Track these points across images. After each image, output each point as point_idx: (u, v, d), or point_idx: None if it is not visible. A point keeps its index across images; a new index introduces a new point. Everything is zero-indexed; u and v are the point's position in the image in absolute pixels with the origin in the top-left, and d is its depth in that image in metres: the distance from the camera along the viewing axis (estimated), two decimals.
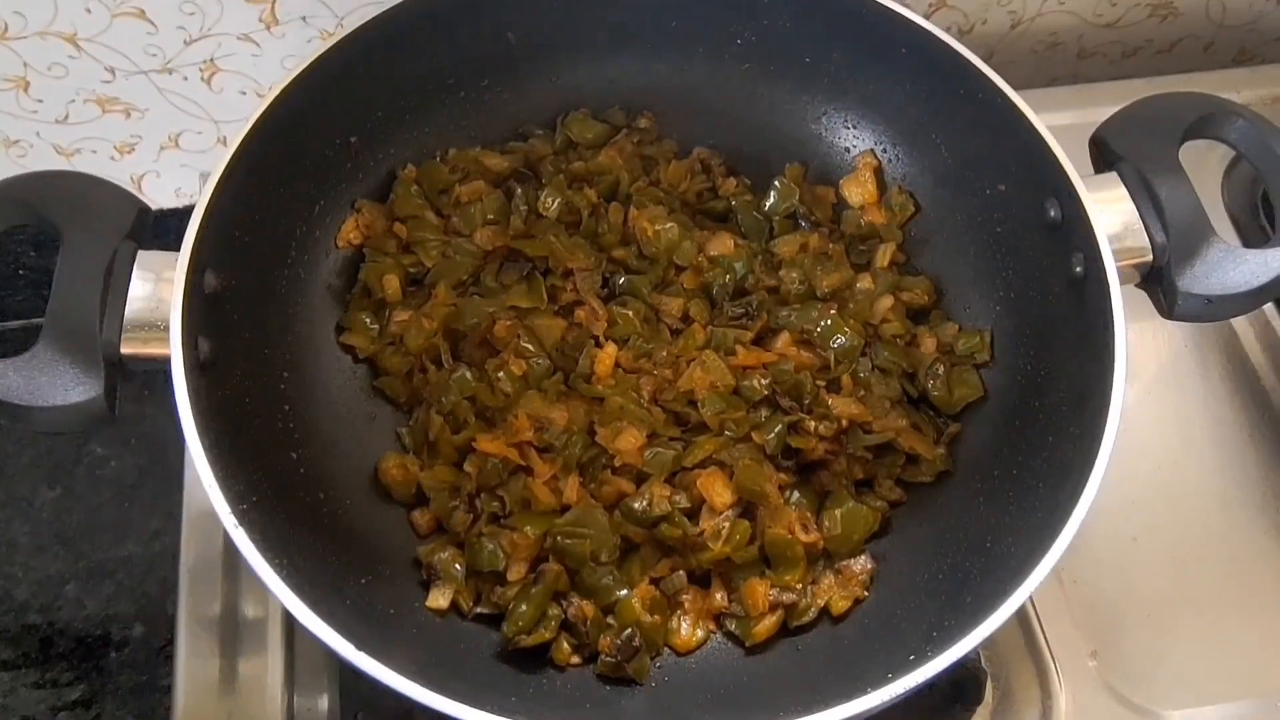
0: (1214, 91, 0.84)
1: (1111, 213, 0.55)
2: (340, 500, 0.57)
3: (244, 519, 0.46)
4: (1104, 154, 0.58)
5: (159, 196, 0.85)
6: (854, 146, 0.68)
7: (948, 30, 0.84)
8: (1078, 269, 0.55)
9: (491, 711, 0.44)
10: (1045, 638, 0.61)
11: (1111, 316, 0.52)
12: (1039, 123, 0.57)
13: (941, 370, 0.61)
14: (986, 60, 0.88)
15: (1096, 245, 0.54)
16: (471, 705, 0.44)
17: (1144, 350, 0.71)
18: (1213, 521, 0.66)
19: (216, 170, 0.54)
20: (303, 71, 0.58)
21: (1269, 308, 0.73)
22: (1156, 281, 0.55)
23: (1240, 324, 0.72)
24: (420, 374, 0.61)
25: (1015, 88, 0.91)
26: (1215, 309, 0.53)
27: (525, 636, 0.56)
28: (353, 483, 0.59)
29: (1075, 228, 0.55)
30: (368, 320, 0.63)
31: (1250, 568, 0.64)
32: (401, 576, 0.57)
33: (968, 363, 0.62)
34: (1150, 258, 0.54)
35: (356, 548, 0.56)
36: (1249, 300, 0.52)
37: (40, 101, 0.75)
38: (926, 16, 0.82)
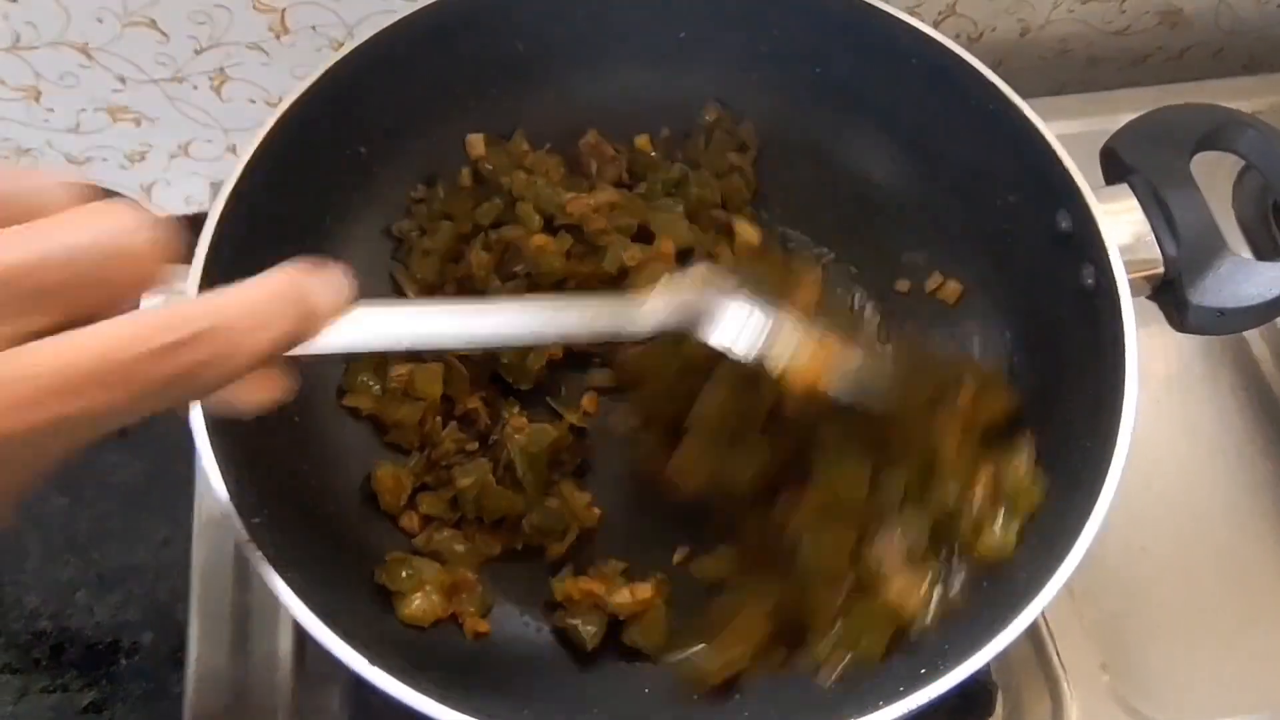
0: (1224, 100, 0.84)
1: (1122, 224, 0.55)
2: (351, 512, 0.58)
3: (256, 533, 0.46)
4: (1115, 166, 0.58)
5: (169, 204, 0.86)
6: (866, 155, 0.68)
7: (956, 38, 0.84)
8: (1088, 281, 0.55)
9: None
10: (1056, 649, 0.60)
11: (1122, 328, 0.52)
12: (1049, 133, 0.57)
13: (986, 523, 0.53)
14: (995, 68, 0.88)
15: (1107, 257, 0.53)
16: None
17: (1154, 359, 0.71)
18: (1224, 531, 0.66)
19: (228, 182, 0.54)
20: (314, 83, 0.58)
21: None
22: (1168, 294, 0.55)
23: (1251, 332, 0.72)
24: (434, 419, 0.60)
25: (1024, 95, 0.91)
26: (1228, 322, 0.53)
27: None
28: (363, 494, 0.59)
29: (1086, 239, 0.55)
30: (368, 380, 0.61)
31: (1262, 578, 0.64)
32: None
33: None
34: (1162, 270, 0.54)
35: (369, 560, 0.56)
36: (1262, 313, 0.52)
37: (51, 111, 0.75)
38: (936, 24, 0.82)
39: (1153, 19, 0.86)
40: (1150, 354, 0.71)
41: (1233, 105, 0.84)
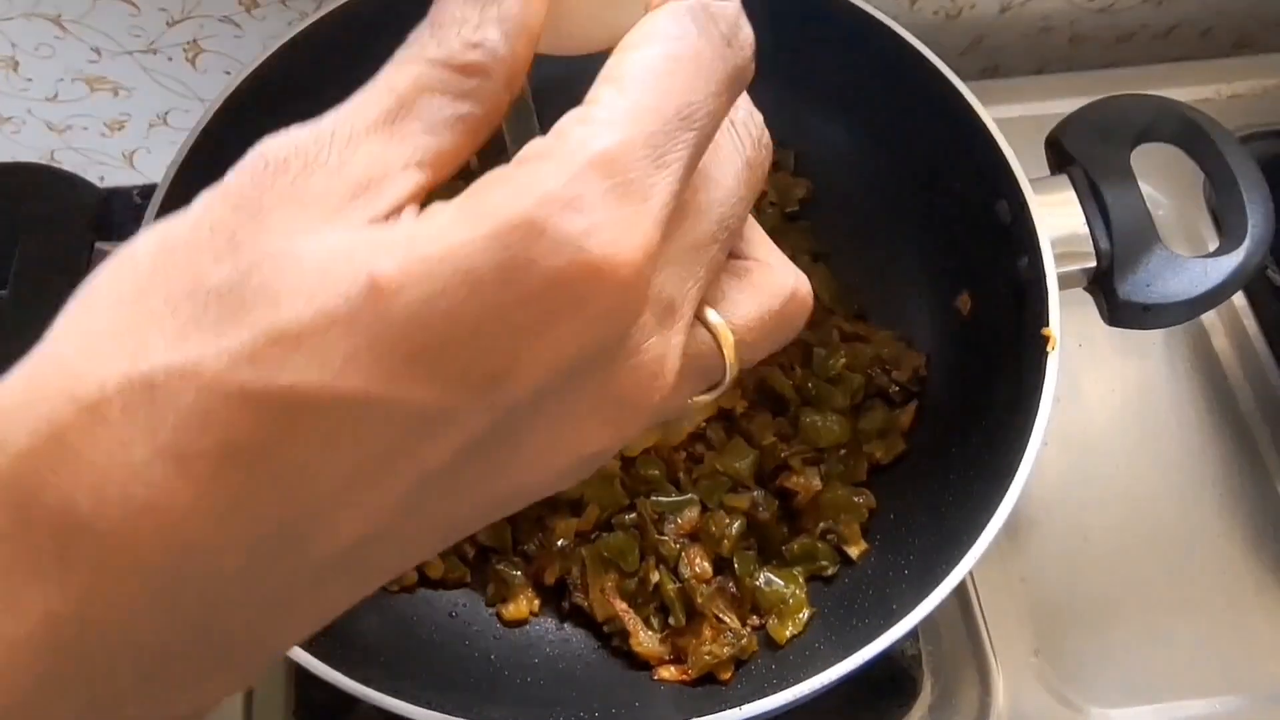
0: (1210, 81, 0.84)
1: (1057, 216, 0.54)
2: None
3: None
4: (1058, 156, 0.57)
5: (152, 172, 0.87)
6: (823, 137, 0.68)
7: (935, 15, 0.84)
8: (1024, 272, 0.55)
9: None
10: (989, 634, 0.61)
11: (1047, 317, 0.52)
12: (989, 120, 0.57)
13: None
14: (976, 45, 0.88)
15: (1039, 248, 0.54)
16: None
17: (1110, 345, 0.71)
18: (1167, 521, 0.66)
19: (174, 161, 0.55)
20: (267, 59, 0.59)
21: (1241, 304, 0.72)
22: (1100, 287, 0.54)
23: (1210, 319, 0.72)
24: None
25: (1007, 74, 0.91)
26: (1153, 317, 0.53)
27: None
28: None
29: (1022, 230, 0.55)
30: None
31: (1200, 569, 0.64)
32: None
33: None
34: (1094, 263, 0.54)
35: None
36: (1186, 310, 0.52)
37: (30, 80, 0.77)
38: (912, 2, 0.82)
39: None
40: (1108, 340, 0.71)
41: (1220, 86, 0.84)
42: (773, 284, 0.28)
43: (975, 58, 0.89)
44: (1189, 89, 0.81)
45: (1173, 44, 0.89)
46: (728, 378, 0.28)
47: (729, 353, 0.27)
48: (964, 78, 0.88)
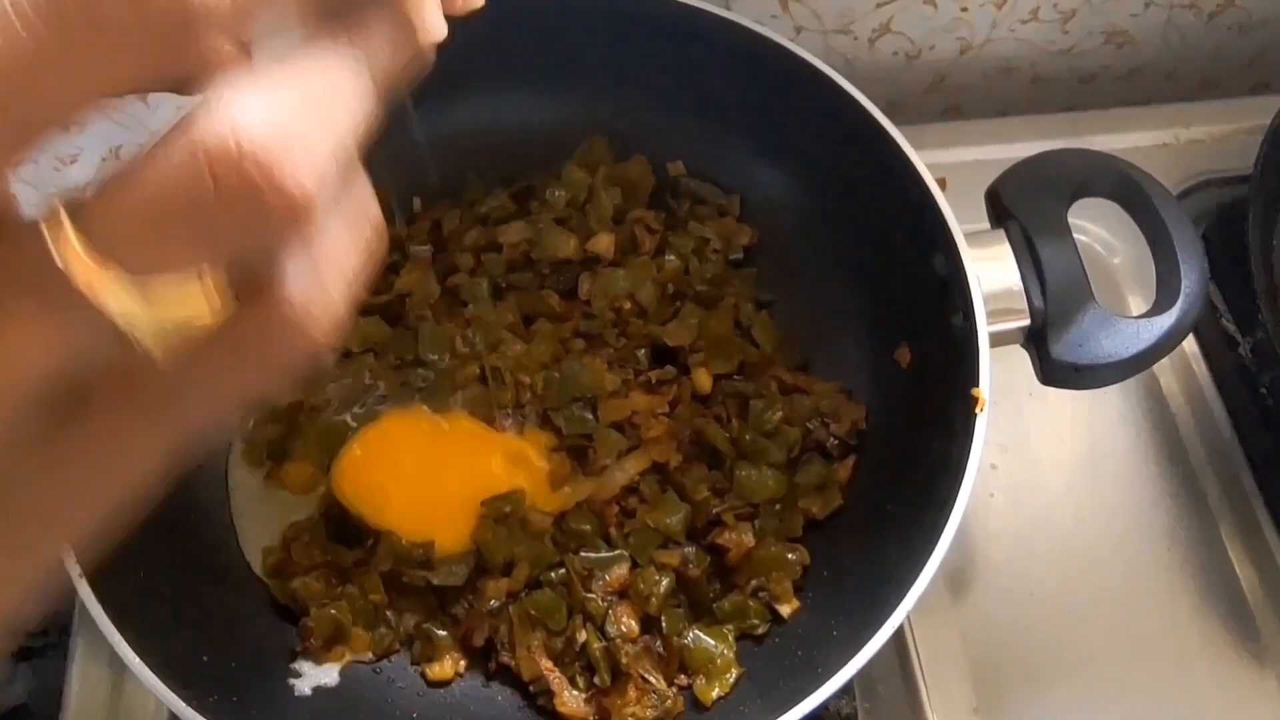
0: (1169, 126, 0.83)
1: (992, 272, 0.54)
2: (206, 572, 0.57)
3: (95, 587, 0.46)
4: (997, 210, 0.57)
5: None
6: (769, 185, 0.67)
7: (894, 56, 0.83)
8: (958, 327, 0.54)
9: None
10: (927, 692, 0.60)
11: (977, 375, 0.52)
12: (926, 173, 0.56)
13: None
14: (938, 85, 0.88)
15: (972, 304, 0.53)
16: None
17: (1061, 395, 0.70)
18: (1114, 576, 0.65)
19: None
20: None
21: (1193, 350, 0.71)
22: (1034, 345, 0.54)
23: (1162, 367, 0.71)
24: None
25: (969, 115, 0.90)
26: (1085, 378, 0.52)
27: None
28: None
29: (957, 285, 0.54)
30: None
31: (1146, 625, 0.63)
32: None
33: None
34: (1028, 321, 0.53)
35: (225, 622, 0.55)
36: (1118, 370, 0.51)
37: None
38: (870, 43, 0.81)
39: (1098, 39, 0.84)
40: (1060, 396, 0.70)
41: (1179, 130, 0.83)
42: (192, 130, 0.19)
43: (937, 98, 0.88)
44: (1148, 133, 0.81)
45: (1136, 86, 0.89)
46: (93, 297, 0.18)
47: (59, 249, 0.18)
48: (926, 119, 0.87)
